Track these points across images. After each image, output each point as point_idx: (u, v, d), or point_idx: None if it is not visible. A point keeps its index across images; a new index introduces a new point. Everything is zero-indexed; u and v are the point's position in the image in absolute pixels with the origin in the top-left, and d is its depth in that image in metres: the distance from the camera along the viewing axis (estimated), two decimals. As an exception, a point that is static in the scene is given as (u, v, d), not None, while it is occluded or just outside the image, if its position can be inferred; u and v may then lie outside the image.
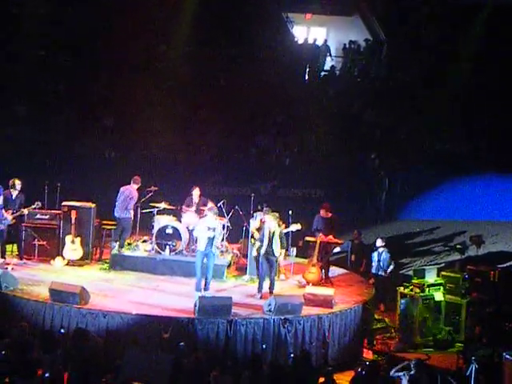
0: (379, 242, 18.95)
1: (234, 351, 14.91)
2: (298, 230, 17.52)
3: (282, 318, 15.24)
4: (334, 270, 18.62)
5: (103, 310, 15.00)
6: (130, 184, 18.21)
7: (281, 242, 16.57)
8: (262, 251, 16.48)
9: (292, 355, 14.64)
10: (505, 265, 20.40)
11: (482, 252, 21.06)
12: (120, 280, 17.22)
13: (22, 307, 15.33)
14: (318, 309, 15.88)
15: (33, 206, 17.72)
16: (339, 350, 15.93)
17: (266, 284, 16.65)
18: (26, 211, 17.73)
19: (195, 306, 15.12)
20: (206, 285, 16.46)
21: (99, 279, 17.14)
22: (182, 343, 14.19)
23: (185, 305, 15.57)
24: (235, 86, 25.15)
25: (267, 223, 16.54)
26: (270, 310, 15.40)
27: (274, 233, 16.40)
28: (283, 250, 17.16)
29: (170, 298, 16.16)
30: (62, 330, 14.60)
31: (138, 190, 18.27)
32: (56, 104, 24.12)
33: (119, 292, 16.39)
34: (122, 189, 18.15)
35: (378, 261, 18.86)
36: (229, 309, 15.17)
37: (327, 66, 28.31)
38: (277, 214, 16.85)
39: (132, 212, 18.14)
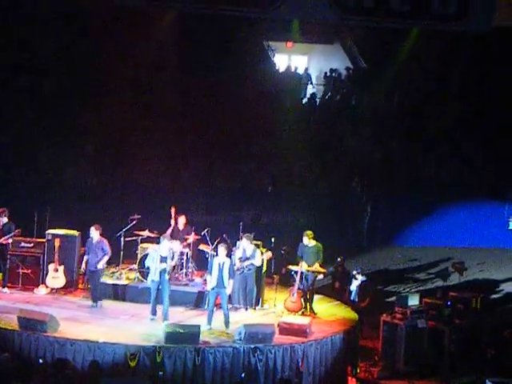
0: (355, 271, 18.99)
1: (202, 380, 14.85)
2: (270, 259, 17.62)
3: (253, 346, 15.16)
4: (323, 300, 18.65)
5: (70, 339, 15.00)
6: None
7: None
8: (213, 284, 16.31)
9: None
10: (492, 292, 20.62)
11: (466, 279, 21.20)
12: (98, 308, 17.21)
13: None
14: (293, 338, 15.81)
15: (10, 234, 17.67)
16: (314, 379, 15.83)
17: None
18: (10, 240, 17.74)
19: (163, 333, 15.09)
20: (164, 314, 16.34)
21: (77, 307, 17.10)
22: (161, 372, 14.18)
23: (156, 333, 15.51)
24: (218, 113, 25.25)
25: (219, 255, 16.39)
26: (240, 339, 15.34)
27: (223, 264, 16.30)
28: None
29: (144, 326, 16.15)
30: (41, 360, 14.63)
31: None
32: (39, 131, 24.12)
33: (93, 320, 16.41)
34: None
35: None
36: (197, 336, 15.09)
37: (308, 94, 28.49)
38: (256, 243, 16.98)
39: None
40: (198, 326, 15.37)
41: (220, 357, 14.96)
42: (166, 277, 16.50)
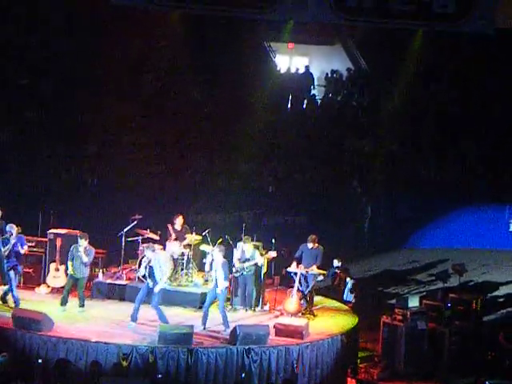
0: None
1: (196, 381, 14.84)
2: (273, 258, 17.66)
3: (247, 347, 15.13)
4: (324, 301, 18.62)
5: (63, 337, 15.03)
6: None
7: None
8: (211, 285, 16.33)
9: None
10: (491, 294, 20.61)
11: (466, 280, 21.21)
12: (96, 308, 17.22)
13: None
14: (288, 339, 15.77)
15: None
16: (310, 381, 15.79)
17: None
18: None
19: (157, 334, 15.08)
20: (161, 319, 16.20)
21: (75, 307, 17.07)
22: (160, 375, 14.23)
23: (150, 333, 15.51)
24: (218, 113, 25.27)
25: (214, 255, 16.37)
26: (234, 340, 15.33)
27: (217, 265, 16.24)
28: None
29: (140, 326, 16.11)
30: (40, 360, 14.65)
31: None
32: (39, 131, 24.14)
33: (89, 319, 16.43)
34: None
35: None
36: (190, 337, 15.07)
37: (309, 95, 28.48)
38: (257, 244, 16.98)
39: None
40: (191, 327, 15.34)
41: (213, 358, 14.93)
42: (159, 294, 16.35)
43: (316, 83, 28.66)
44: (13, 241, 16.72)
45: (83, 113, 24.79)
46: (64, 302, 16.96)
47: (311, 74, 28.33)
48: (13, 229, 16.75)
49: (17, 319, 15.42)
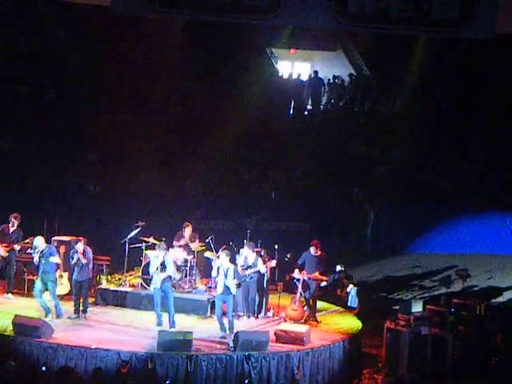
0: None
1: (195, 387, 14.82)
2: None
3: (246, 354, 15.10)
4: (327, 307, 18.63)
5: (63, 344, 15.03)
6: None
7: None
8: (219, 291, 16.32)
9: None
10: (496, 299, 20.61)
11: (470, 285, 21.21)
12: (98, 315, 17.22)
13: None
14: (289, 346, 15.72)
15: (24, 241, 17.80)
16: (312, 388, 15.73)
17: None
18: (17, 246, 17.88)
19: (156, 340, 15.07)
20: (170, 322, 16.34)
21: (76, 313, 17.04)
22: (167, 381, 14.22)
23: (150, 340, 15.46)
24: (220, 120, 25.30)
25: (222, 260, 16.36)
26: (233, 346, 15.32)
27: (227, 270, 16.25)
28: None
29: (140, 333, 16.12)
30: (44, 368, 14.64)
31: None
32: (41, 139, 24.16)
33: (91, 326, 16.44)
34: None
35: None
36: (189, 343, 15.04)
37: (311, 101, 28.51)
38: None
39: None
40: (191, 333, 15.28)
41: (213, 364, 14.88)
42: (169, 284, 16.49)
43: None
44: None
45: (85, 120, 24.82)
46: (76, 311, 16.99)
47: (321, 79, 28.34)
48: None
49: (17, 326, 15.45)
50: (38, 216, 19.48)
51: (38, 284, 16.81)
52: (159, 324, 16.39)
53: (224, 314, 16.38)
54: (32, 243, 17.26)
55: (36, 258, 16.81)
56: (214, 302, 17.14)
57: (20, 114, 24.18)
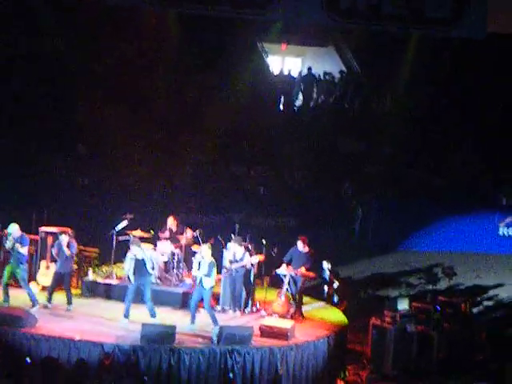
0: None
1: (178, 381, 14.82)
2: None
3: (230, 348, 15.12)
4: (313, 303, 18.62)
5: (45, 335, 15.01)
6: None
7: None
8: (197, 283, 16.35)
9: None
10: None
11: (456, 283, 21.27)
12: (83, 306, 17.17)
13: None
14: (273, 341, 15.71)
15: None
16: (295, 383, 15.73)
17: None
18: None
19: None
20: (150, 312, 16.32)
21: (62, 304, 17.03)
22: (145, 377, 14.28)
23: (134, 333, 15.42)
24: (210, 115, 25.27)
25: (204, 253, 16.30)
26: (217, 340, 15.33)
27: (200, 263, 16.22)
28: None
29: (123, 325, 16.07)
30: (29, 360, 14.61)
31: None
32: (31, 132, 24.10)
33: (76, 318, 16.40)
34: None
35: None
36: (172, 337, 15.05)
37: (301, 96, 28.50)
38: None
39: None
40: (174, 327, 15.28)
41: (196, 357, 14.89)
42: (149, 278, 16.45)
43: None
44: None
45: (75, 113, 24.75)
46: (49, 300, 16.94)
47: (313, 75, 28.32)
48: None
49: (-1, 316, 15.34)
50: (27, 207, 19.43)
51: (7, 271, 16.73)
52: (126, 317, 16.28)
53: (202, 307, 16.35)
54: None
55: (8, 245, 16.74)
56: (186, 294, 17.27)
57: (10, 108, 24.10)
